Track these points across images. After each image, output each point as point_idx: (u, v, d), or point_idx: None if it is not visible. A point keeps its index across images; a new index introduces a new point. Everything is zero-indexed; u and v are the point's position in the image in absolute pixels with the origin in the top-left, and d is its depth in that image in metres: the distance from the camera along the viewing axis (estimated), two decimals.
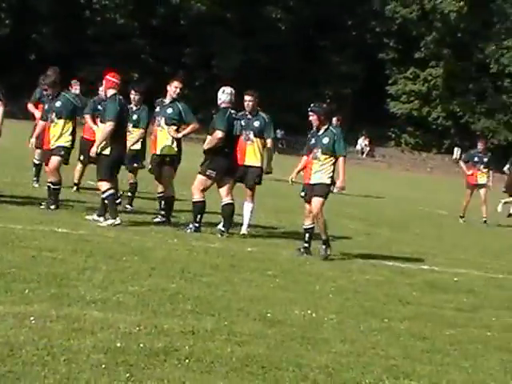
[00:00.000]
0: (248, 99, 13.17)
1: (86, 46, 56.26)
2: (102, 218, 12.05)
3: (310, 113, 11.78)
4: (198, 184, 12.48)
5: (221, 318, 7.27)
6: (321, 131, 11.72)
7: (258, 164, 13.21)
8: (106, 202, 12.07)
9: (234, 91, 12.70)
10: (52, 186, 13.01)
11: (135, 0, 58.66)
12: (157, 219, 13.12)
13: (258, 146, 13.16)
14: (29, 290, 7.23)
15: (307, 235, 11.77)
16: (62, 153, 13.10)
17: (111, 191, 12.11)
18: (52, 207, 12.72)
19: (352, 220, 17.86)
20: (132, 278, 8.38)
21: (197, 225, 12.45)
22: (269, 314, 7.62)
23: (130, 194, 14.71)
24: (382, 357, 6.75)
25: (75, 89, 16.23)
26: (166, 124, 13.07)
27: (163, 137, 13.14)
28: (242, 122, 12.95)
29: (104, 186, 12.12)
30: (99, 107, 13.92)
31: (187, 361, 5.91)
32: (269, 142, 13.36)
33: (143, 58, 60.17)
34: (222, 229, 12.51)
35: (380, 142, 67.19)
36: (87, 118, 14.91)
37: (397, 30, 67.47)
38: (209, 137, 12.61)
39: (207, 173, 12.41)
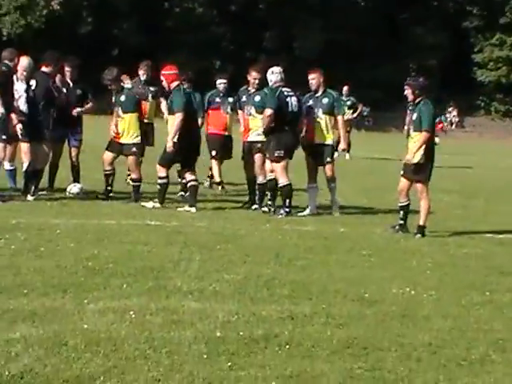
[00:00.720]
0: (310, 78, 13.11)
1: (166, 37, 56.69)
2: (188, 207, 12.28)
3: (406, 86, 11.58)
4: (280, 168, 12.41)
5: (318, 301, 7.21)
6: (411, 106, 11.53)
7: (329, 142, 13.04)
8: (159, 187, 12.45)
9: (281, 70, 12.85)
10: (132, 183, 13.25)
11: None
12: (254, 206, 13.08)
13: (326, 124, 13.00)
14: (127, 285, 7.30)
15: (402, 212, 11.58)
16: (134, 149, 13.20)
17: (165, 180, 12.40)
18: (133, 203, 12.81)
19: (447, 193, 17.52)
20: (227, 267, 8.39)
21: (287, 209, 12.41)
22: (366, 295, 7.53)
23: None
24: (486, 331, 6.59)
25: (142, 74, 15.84)
26: (257, 112, 13.00)
27: (255, 124, 13.07)
28: (311, 101, 13.00)
29: (160, 171, 12.42)
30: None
31: (288, 346, 5.87)
32: (339, 119, 13.24)
33: (224, 46, 60.32)
34: (285, 210, 12.39)
35: (469, 112, 65.92)
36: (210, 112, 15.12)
37: None
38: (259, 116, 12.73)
39: (276, 154, 12.43)
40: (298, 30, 59.28)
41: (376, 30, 61.84)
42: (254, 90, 13.35)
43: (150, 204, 12.42)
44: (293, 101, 12.62)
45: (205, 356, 5.56)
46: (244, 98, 13.87)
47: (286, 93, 12.61)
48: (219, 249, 9.37)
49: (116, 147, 13.25)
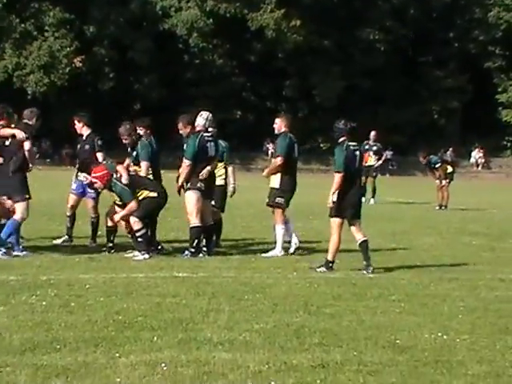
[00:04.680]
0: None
1: (187, 89, 57.27)
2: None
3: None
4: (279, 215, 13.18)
5: (349, 348, 7.18)
6: None
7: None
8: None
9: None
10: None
11: (231, 39, 59.42)
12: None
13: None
14: (157, 337, 7.32)
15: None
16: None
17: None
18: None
19: (475, 236, 17.46)
20: (256, 316, 8.39)
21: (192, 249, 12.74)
22: (398, 341, 7.49)
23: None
24: None
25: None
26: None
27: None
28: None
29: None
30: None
31: None
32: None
33: (244, 96, 60.80)
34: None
35: (495, 153, 65.69)
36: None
37: (502, 37, 65.87)
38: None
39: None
40: (317, 77, 59.66)
41: (396, 74, 62.15)
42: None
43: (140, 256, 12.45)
44: (211, 145, 13.10)
45: None
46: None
47: (206, 138, 13.02)
48: (247, 299, 9.37)
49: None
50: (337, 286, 10.47)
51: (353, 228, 11.88)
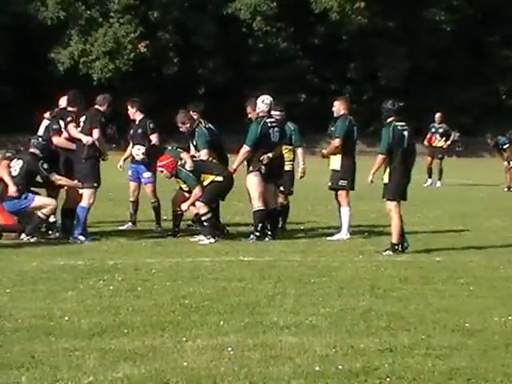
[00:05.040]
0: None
1: (251, 73, 57.22)
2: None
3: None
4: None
5: (417, 332, 7.11)
6: None
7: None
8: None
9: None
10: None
11: (295, 22, 59.18)
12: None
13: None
14: (223, 321, 7.33)
15: None
16: None
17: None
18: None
19: None
20: (322, 300, 8.35)
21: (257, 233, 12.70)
22: (467, 324, 7.38)
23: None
24: None
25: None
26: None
27: None
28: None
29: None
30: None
31: (388, 379, 5.79)
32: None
33: (308, 79, 60.53)
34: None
35: None
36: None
37: None
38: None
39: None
40: (381, 59, 59.05)
41: (462, 54, 61.16)
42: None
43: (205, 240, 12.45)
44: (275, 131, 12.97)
45: None
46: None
47: (269, 124, 12.86)
48: (313, 282, 9.34)
49: None
50: (404, 268, 10.37)
51: (388, 204, 11.88)
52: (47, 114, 13.59)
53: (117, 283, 9.04)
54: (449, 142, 27.77)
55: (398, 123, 11.83)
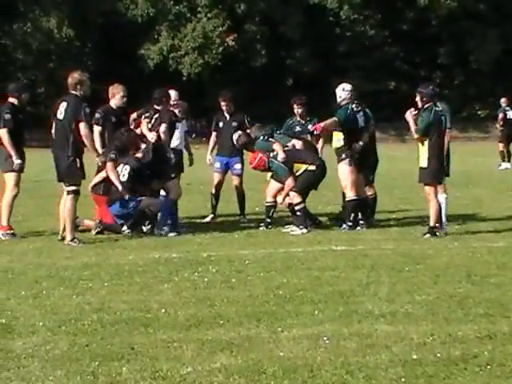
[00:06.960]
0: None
1: (339, 62, 56.98)
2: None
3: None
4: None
5: None
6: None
7: None
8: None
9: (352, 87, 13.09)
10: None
11: (382, 9, 58.64)
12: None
13: None
14: (318, 311, 7.32)
15: None
16: None
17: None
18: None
19: None
20: (417, 288, 8.26)
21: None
22: None
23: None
24: None
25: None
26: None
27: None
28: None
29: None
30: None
31: (489, 367, 5.70)
32: None
33: (397, 65, 59.93)
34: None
35: None
36: None
37: None
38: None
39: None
40: (473, 42, 58.07)
41: None
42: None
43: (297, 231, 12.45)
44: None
45: (403, 379, 5.48)
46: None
47: (354, 108, 12.80)
48: (408, 270, 9.24)
49: None
50: (501, 254, 10.18)
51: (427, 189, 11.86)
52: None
53: (211, 275, 9.12)
54: None
55: (436, 108, 11.89)
